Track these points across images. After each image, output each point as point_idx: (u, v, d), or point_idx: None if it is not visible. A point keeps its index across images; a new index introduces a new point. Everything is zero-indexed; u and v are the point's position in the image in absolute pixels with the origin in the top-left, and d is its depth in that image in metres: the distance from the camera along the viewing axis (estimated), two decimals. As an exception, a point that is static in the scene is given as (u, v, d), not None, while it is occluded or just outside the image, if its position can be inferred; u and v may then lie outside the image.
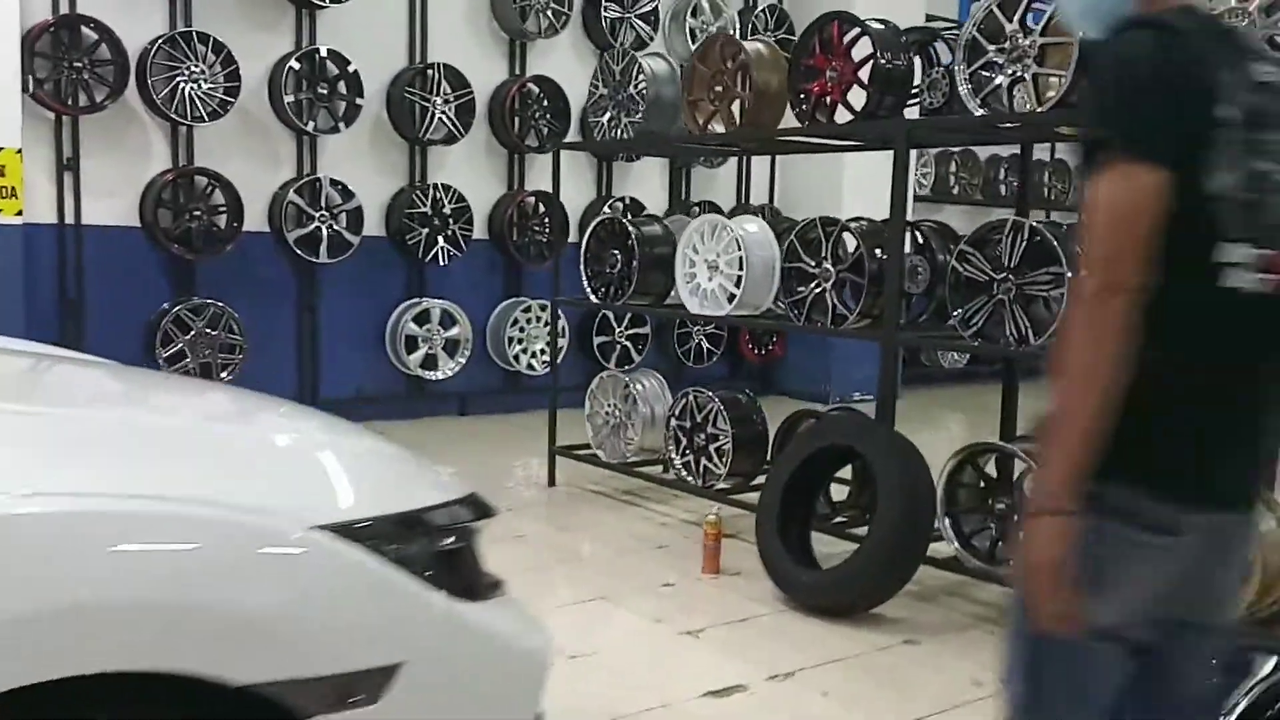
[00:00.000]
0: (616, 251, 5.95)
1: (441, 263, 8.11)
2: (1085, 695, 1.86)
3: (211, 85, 7.04)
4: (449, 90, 8.03)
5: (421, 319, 8.10)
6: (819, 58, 4.87)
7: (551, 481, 6.32)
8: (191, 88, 6.97)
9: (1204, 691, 1.95)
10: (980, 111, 4.29)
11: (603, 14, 8.71)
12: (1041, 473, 1.79)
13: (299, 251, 7.54)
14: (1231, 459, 1.81)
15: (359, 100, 7.59)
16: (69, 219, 6.88)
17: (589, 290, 6.10)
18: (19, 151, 6.19)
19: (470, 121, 8.09)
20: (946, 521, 4.47)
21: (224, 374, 7.24)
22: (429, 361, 8.15)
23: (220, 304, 7.24)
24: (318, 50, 7.48)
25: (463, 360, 8.24)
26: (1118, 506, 1.76)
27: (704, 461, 5.58)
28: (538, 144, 8.43)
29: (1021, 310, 4.18)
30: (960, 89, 4.34)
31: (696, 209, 8.97)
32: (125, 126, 6.98)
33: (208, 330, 7.19)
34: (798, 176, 9.80)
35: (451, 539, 2.15)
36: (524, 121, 8.39)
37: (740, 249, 5.25)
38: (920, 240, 5.11)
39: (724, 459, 5.49)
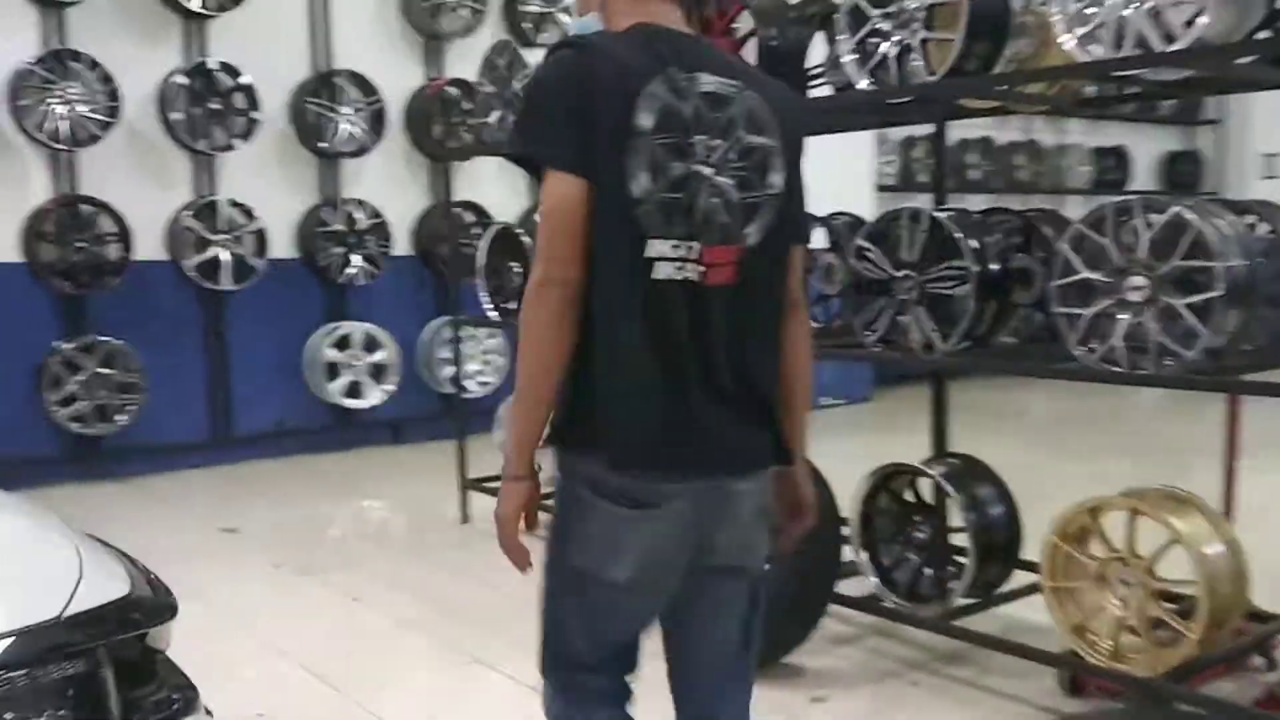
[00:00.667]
0: (515, 263, 5.44)
1: (361, 282, 7.61)
2: (606, 626, 2.08)
3: (92, 106, 6.55)
4: (358, 98, 7.52)
5: (342, 344, 7.57)
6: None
7: (465, 518, 5.78)
8: (67, 110, 6.48)
9: (728, 619, 2.12)
10: (865, 86, 3.74)
11: (521, 8, 8.17)
12: (507, 445, 1.98)
13: (199, 279, 7.04)
14: (678, 434, 1.93)
15: (255, 114, 7.08)
16: (-58, 258, 6.40)
17: (489, 306, 5.58)
18: None
19: (382, 130, 7.58)
20: (863, 554, 3.93)
21: (121, 415, 6.74)
22: (353, 389, 7.62)
23: (115, 340, 6.74)
24: (207, 63, 6.97)
25: (391, 386, 7.71)
26: (597, 485, 1.94)
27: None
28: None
29: (927, 311, 3.63)
30: (843, 62, 3.79)
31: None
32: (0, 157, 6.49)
33: (101, 370, 6.69)
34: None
35: (73, 665, 1.64)
36: (447, 127, 7.86)
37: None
38: (833, 237, 4.56)
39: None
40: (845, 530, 3.97)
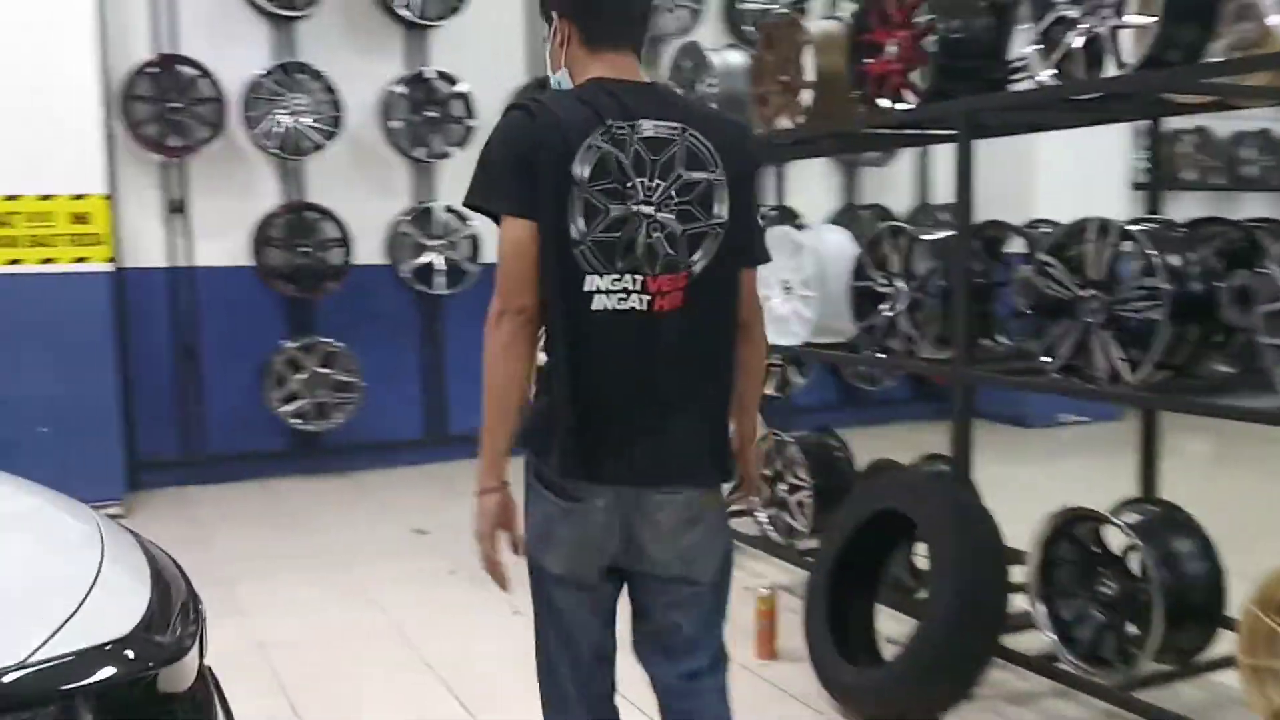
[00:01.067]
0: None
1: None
2: (561, 626, 2.30)
3: (316, 116, 6.83)
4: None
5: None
6: (878, 30, 4.00)
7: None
8: (292, 120, 6.78)
9: (683, 627, 2.31)
10: (1049, 79, 3.31)
11: (740, 7, 7.96)
12: (480, 450, 2.19)
13: (414, 283, 7.23)
14: (604, 446, 2.14)
15: (472, 122, 7.19)
16: (181, 261, 6.81)
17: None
18: (107, 198, 6.12)
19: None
20: (1040, 606, 3.51)
21: (339, 414, 7.00)
22: (561, 393, 7.62)
23: (335, 342, 7.01)
24: (424, 72, 7.14)
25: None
26: (542, 476, 2.20)
27: (785, 517, 4.77)
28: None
29: (1115, 336, 3.18)
30: (1026, 54, 3.38)
31: (865, 213, 8.10)
32: (232, 165, 6.86)
33: (321, 369, 6.97)
34: (994, 168, 8.64)
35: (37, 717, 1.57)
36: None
37: (814, 265, 4.43)
38: (1030, 248, 4.12)
39: (804, 514, 4.66)
40: (1020, 576, 3.56)
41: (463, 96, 7.19)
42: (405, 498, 6.64)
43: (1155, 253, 3.07)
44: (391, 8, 7.05)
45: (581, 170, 2.09)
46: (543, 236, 2.11)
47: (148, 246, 6.74)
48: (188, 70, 6.63)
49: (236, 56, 6.77)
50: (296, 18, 6.89)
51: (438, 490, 6.77)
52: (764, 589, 4.09)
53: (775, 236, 4.71)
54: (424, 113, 7.15)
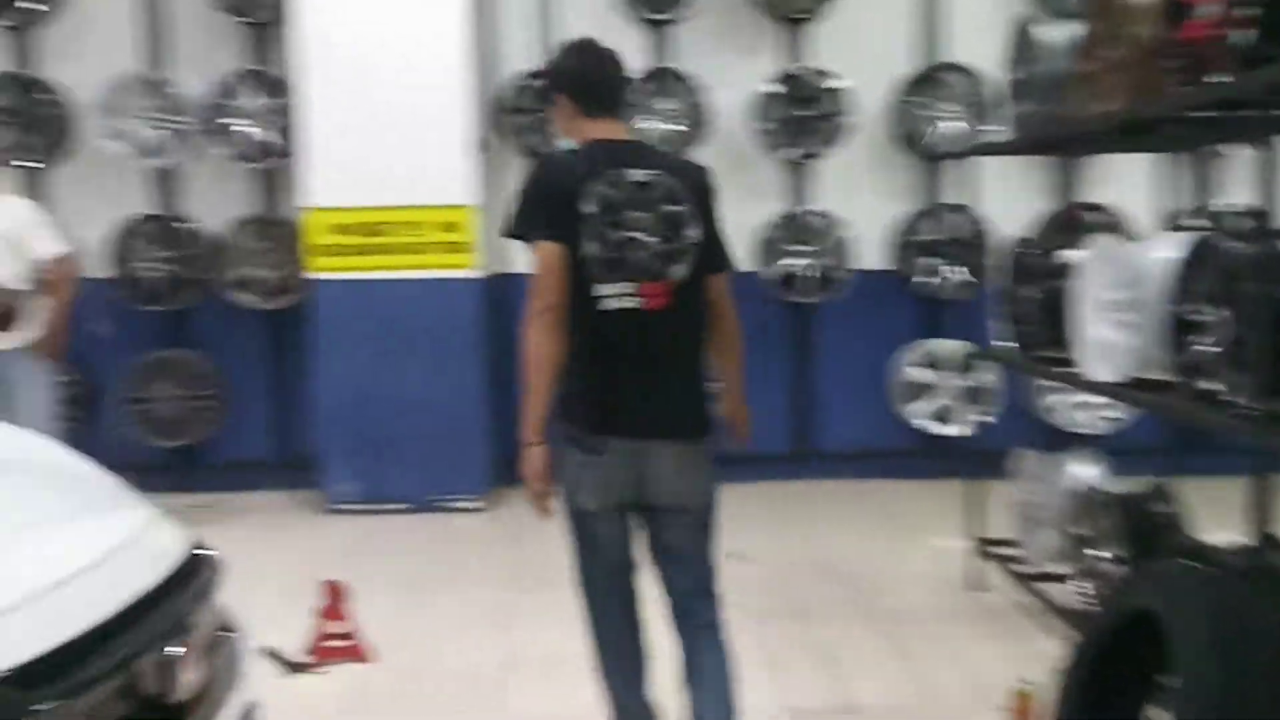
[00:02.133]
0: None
1: (956, 297, 6.90)
2: (595, 547, 3.06)
3: (680, 122, 6.73)
4: (966, 93, 6.81)
5: (931, 363, 6.95)
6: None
7: (973, 585, 4.93)
8: (657, 127, 6.72)
9: (682, 544, 3.09)
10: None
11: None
12: (524, 415, 2.94)
13: (780, 291, 6.92)
14: (613, 409, 2.93)
15: (848, 118, 6.74)
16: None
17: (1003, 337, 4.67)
18: (474, 208, 6.41)
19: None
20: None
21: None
22: (942, 413, 6.95)
23: (696, 350, 6.87)
24: (798, 69, 6.78)
25: (990, 413, 6.89)
26: (572, 437, 2.97)
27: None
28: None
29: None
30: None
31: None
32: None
33: (679, 377, 6.86)
34: None
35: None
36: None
37: (1134, 283, 3.57)
38: None
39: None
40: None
41: (838, 92, 6.76)
42: (752, 515, 6.34)
43: None
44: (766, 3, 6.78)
45: (588, 207, 2.89)
46: (567, 257, 2.89)
47: (518, 253, 6.97)
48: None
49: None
50: (669, 22, 6.82)
51: (788, 512, 6.40)
52: (1025, 681, 3.36)
53: (1096, 248, 3.89)
54: (796, 112, 6.81)
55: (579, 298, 2.88)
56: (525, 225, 2.95)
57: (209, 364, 6.94)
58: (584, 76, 3.05)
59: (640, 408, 2.91)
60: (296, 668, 4.08)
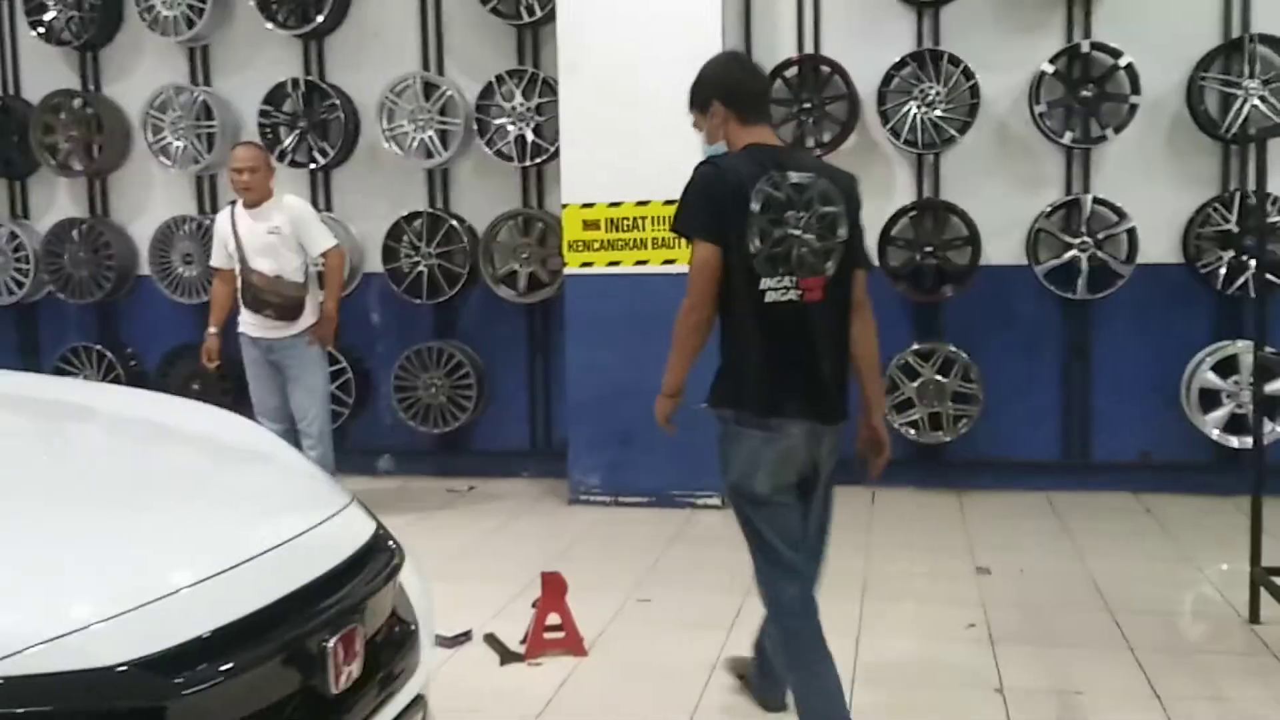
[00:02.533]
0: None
1: (1255, 294, 6.18)
2: (775, 521, 3.19)
3: (949, 107, 6.37)
4: (1274, 67, 6.10)
5: (1224, 368, 6.27)
6: None
7: (1253, 617, 4.38)
8: (924, 112, 6.39)
9: (824, 520, 3.33)
10: None
11: None
12: (665, 377, 3.24)
13: (1052, 286, 6.43)
14: (787, 393, 3.12)
15: (1136, 99, 6.17)
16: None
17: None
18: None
19: (1303, 107, 6.05)
20: None
21: (954, 426, 6.50)
22: (1235, 423, 6.26)
23: (955, 349, 6.50)
24: (1082, 46, 6.27)
25: (1291, 424, 6.15)
26: (743, 421, 3.14)
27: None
28: None
29: None
30: None
31: None
32: (865, 162, 6.64)
33: (937, 377, 6.51)
34: None
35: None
36: None
37: None
38: None
39: None
40: None
41: (1124, 71, 6.20)
42: (1004, 526, 5.95)
43: None
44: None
45: (755, 206, 3.07)
46: (730, 253, 3.09)
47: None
48: (823, 69, 6.58)
49: (872, 50, 6.54)
50: (942, 3, 6.48)
51: (1054, 525, 5.95)
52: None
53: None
54: (1078, 93, 6.30)
55: (746, 290, 3.08)
56: (689, 223, 3.13)
57: (472, 355, 7.20)
58: (740, 85, 3.27)
59: (809, 392, 3.13)
60: (511, 657, 4.12)
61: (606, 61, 6.28)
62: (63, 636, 1.72)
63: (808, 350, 3.11)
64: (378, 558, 2.43)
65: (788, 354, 3.10)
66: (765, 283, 3.06)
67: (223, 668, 1.84)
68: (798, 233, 3.07)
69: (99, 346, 7.64)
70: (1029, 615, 4.56)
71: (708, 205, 3.08)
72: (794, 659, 3.21)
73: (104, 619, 1.77)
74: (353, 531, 2.44)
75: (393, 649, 2.39)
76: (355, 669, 2.18)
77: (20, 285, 7.75)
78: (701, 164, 3.15)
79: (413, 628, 2.51)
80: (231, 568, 2.04)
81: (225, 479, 2.58)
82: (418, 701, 2.48)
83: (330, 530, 2.37)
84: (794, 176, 3.10)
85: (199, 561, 2.05)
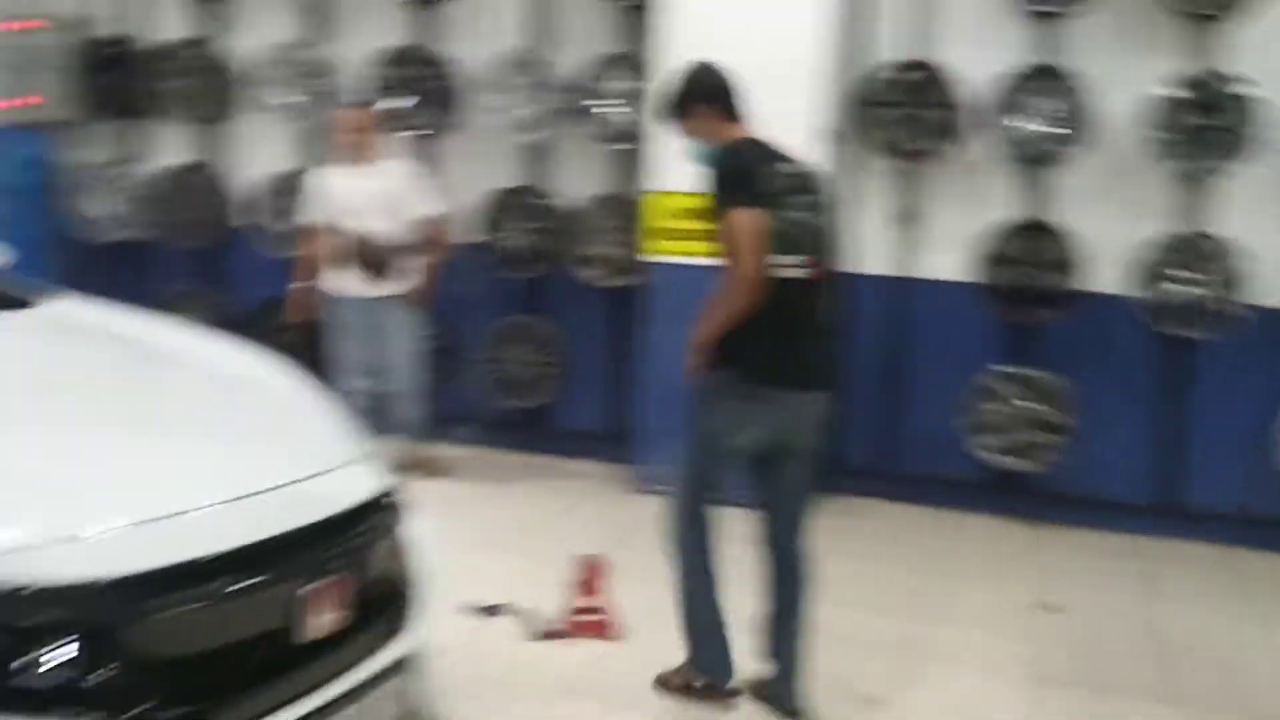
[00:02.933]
0: None
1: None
2: (714, 480, 3.79)
3: (1062, 123, 6.12)
4: None
5: (1333, 423, 5.91)
6: None
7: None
8: (1038, 127, 6.16)
9: (803, 481, 3.74)
10: None
11: None
12: (696, 334, 3.66)
13: (1154, 321, 6.14)
14: (788, 362, 3.53)
15: (1259, 131, 5.86)
16: (904, 272, 6.63)
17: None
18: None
19: None
20: None
21: (1039, 455, 6.24)
22: (1339, 481, 5.90)
23: (1048, 375, 6.26)
24: (1205, 74, 5.97)
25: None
26: (734, 384, 3.56)
27: None
28: None
29: None
30: None
31: None
32: (967, 174, 6.43)
33: (1025, 403, 6.27)
34: None
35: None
36: None
37: None
38: None
39: None
40: None
41: (1249, 101, 5.89)
42: (1080, 565, 5.70)
43: None
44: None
45: (769, 187, 3.45)
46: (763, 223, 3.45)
47: (872, 253, 6.65)
48: (929, 74, 6.38)
49: (987, 59, 6.32)
50: (1058, 15, 6.23)
51: (1135, 570, 5.68)
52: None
53: None
54: (1197, 120, 6.00)
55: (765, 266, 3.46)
56: (734, 196, 3.43)
57: (557, 333, 7.18)
58: (722, 87, 3.69)
59: (810, 363, 3.56)
60: (543, 635, 4.08)
61: (706, 49, 6.09)
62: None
63: (810, 324, 3.53)
64: (373, 516, 2.41)
65: (796, 327, 3.48)
66: (782, 259, 3.43)
67: (175, 599, 1.83)
68: (800, 215, 3.49)
69: (199, 289, 7.82)
70: (1086, 658, 4.37)
71: (746, 180, 3.44)
72: (690, 599, 3.79)
73: (58, 540, 1.77)
74: (353, 486, 2.42)
75: (379, 607, 2.37)
76: (331, 621, 2.15)
77: (129, 225, 7.99)
78: (725, 149, 3.53)
79: (405, 590, 2.49)
80: (210, 505, 2.04)
81: (241, 419, 2.59)
82: (405, 663, 2.45)
83: (326, 482, 2.36)
84: (783, 167, 3.53)
85: (185, 494, 2.05)
